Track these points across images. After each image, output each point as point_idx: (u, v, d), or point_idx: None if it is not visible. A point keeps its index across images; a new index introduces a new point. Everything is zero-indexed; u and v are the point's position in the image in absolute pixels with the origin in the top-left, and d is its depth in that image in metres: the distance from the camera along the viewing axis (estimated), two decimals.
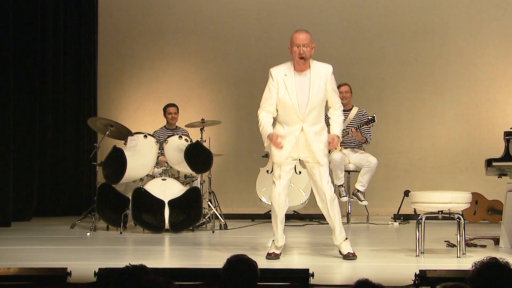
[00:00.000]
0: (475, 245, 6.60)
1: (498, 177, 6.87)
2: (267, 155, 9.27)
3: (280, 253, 6.06)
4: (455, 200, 6.06)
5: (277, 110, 5.92)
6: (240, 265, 3.53)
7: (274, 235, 6.04)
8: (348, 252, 5.99)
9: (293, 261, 6.03)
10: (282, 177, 5.93)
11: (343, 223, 6.22)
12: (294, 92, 5.79)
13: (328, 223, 6.16)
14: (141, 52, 10.65)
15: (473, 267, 3.33)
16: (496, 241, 6.71)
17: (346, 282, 4.95)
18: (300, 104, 5.79)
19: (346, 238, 6.07)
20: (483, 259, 3.35)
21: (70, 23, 10.24)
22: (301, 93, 5.80)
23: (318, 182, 5.93)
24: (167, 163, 8.34)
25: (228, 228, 8.34)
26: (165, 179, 8.12)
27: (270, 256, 6.00)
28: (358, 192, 8.74)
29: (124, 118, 10.25)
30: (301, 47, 5.77)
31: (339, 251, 6.06)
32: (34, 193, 9.39)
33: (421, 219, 6.17)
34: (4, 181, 8.51)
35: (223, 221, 8.38)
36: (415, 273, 4.56)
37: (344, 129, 8.15)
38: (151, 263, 4.00)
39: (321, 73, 5.85)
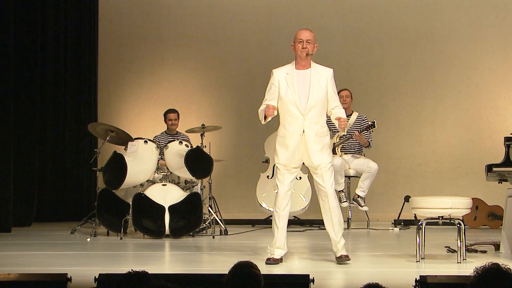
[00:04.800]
0: (476, 251, 6.60)
1: (499, 183, 6.87)
2: (267, 161, 9.27)
3: (280, 258, 6.05)
4: (456, 205, 6.06)
5: (278, 113, 6.02)
6: (244, 276, 3.49)
7: (273, 239, 6.04)
8: (342, 255, 6.00)
9: (293, 266, 6.02)
10: (284, 181, 5.96)
11: (344, 228, 6.22)
12: (295, 87, 5.93)
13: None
14: (141, 58, 10.66)
15: (475, 273, 3.30)
16: (497, 246, 6.70)
17: None
18: (301, 98, 5.91)
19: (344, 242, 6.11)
20: (485, 265, 3.31)
21: (71, 29, 10.24)
22: (302, 88, 5.94)
23: (319, 182, 5.96)
24: (167, 168, 8.34)
25: (228, 233, 8.34)
26: (166, 185, 8.12)
27: (269, 261, 6.00)
28: (358, 197, 8.73)
29: (125, 123, 10.25)
30: (304, 42, 5.93)
31: (335, 255, 6.07)
32: (34, 199, 9.38)
33: (421, 224, 6.16)
34: (5, 186, 8.50)
35: (223, 226, 8.37)
36: (416, 278, 4.54)
37: (345, 134, 8.15)
38: (151, 269, 4.00)
39: (322, 73, 5.99)
